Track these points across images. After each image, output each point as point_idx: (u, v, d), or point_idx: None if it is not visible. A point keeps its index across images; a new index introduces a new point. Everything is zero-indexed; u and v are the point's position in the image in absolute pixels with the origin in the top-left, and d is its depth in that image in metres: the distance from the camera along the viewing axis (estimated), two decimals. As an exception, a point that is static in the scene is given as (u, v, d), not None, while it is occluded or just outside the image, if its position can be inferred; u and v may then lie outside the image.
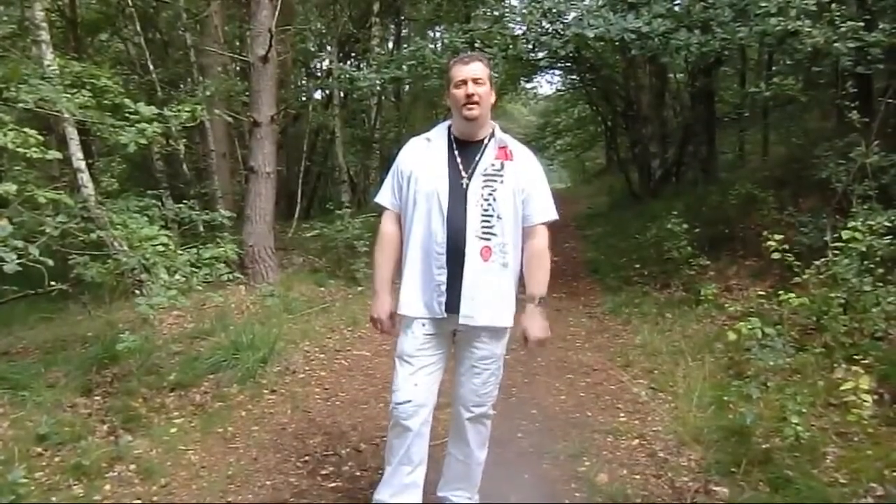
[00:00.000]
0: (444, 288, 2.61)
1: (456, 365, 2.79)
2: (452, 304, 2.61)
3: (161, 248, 4.44)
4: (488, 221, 2.60)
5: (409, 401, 2.65)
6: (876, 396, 3.56)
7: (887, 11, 6.24)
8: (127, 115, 4.83)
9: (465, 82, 2.60)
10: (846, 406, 3.35)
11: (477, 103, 2.60)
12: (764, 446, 3.40)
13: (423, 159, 2.72)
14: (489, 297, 2.62)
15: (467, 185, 2.63)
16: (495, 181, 2.63)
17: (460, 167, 2.66)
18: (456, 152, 2.70)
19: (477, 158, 2.67)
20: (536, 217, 2.71)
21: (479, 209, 2.60)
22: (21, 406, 3.92)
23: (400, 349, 2.73)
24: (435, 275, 2.62)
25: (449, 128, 2.76)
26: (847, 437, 3.42)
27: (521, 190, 2.66)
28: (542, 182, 2.74)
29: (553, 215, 2.75)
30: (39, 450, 3.56)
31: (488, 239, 2.61)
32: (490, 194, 2.61)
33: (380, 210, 2.90)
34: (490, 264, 2.61)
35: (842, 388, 3.35)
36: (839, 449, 3.33)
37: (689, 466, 3.44)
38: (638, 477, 3.41)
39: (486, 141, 2.70)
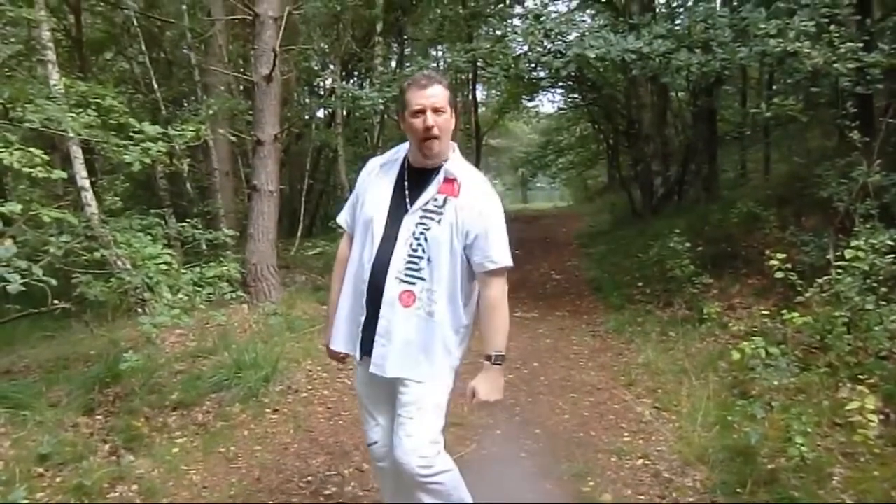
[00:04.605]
0: (360, 329, 2.41)
1: None
2: (367, 348, 2.40)
3: (164, 267, 4.46)
4: (415, 263, 2.33)
5: (376, 442, 2.56)
6: (882, 416, 3.55)
7: (886, 32, 6.29)
8: (132, 134, 4.87)
9: (423, 111, 2.31)
10: (852, 426, 3.33)
11: (437, 137, 2.33)
12: (769, 466, 3.37)
13: (373, 183, 2.50)
14: (406, 349, 2.35)
15: (404, 219, 2.38)
16: (432, 218, 2.35)
17: (406, 198, 2.40)
18: (406, 182, 2.43)
19: (423, 190, 2.39)
20: (487, 265, 2.37)
21: (406, 248, 2.34)
22: (22, 425, 3.91)
23: (356, 387, 2.63)
24: (357, 313, 2.43)
25: (408, 152, 2.49)
26: (853, 457, 3.39)
27: (465, 233, 2.34)
28: (495, 224, 2.38)
29: (505, 262, 2.38)
30: (41, 470, 3.54)
31: (412, 283, 2.33)
32: (422, 233, 2.34)
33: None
34: (412, 311, 2.34)
35: (847, 407, 3.34)
36: (845, 469, 3.31)
37: (694, 487, 3.42)
38: (643, 497, 3.39)
39: (437, 171, 2.41)
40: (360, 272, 2.42)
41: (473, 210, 2.36)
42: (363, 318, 2.41)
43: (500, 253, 2.38)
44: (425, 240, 2.34)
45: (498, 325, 2.40)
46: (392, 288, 2.34)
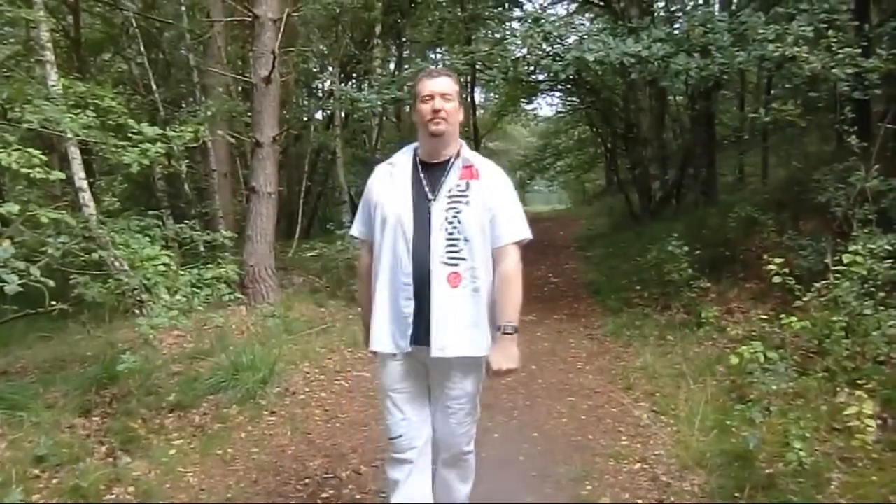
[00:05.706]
0: (410, 320, 2.47)
1: (431, 405, 2.65)
2: (421, 337, 2.47)
3: (162, 269, 4.44)
4: (455, 245, 2.46)
5: (401, 435, 2.59)
6: (879, 421, 3.55)
7: (883, 38, 6.31)
8: (130, 135, 4.86)
9: (431, 97, 2.48)
10: (850, 431, 3.32)
11: (444, 119, 2.48)
12: (767, 471, 3.37)
13: (388, 185, 2.59)
14: (461, 327, 2.47)
15: (431, 208, 2.50)
16: (460, 202, 2.48)
17: (426, 190, 2.53)
18: (422, 175, 2.56)
19: (443, 179, 2.53)
20: (505, 237, 2.52)
21: (443, 233, 2.46)
22: (19, 427, 3.90)
23: (381, 384, 2.65)
24: (402, 306, 2.47)
25: (415, 150, 2.64)
26: (851, 462, 3.39)
27: (489, 209, 2.50)
28: (511, 200, 2.57)
29: (525, 234, 2.56)
30: (37, 471, 3.53)
31: (456, 264, 2.45)
32: (455, 216, 2.46)
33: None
34: (460, 291, 2.46)
35: (845, 412, 3.33)
36: (843, 474, 3.30)
37: (692, 491, 3.42)
38: (640, 501, 3.39)
39: (451, 161, 2.56)
40: (399, 266, 2.48)
41: (494, 189, 2.54)
42: (411, 310, 2.47)
43: (518, 226, 2.54)
44: (459, 222, 2.47)
45: (512, 295, 2.49)
46: (438, 272, 2.45)
